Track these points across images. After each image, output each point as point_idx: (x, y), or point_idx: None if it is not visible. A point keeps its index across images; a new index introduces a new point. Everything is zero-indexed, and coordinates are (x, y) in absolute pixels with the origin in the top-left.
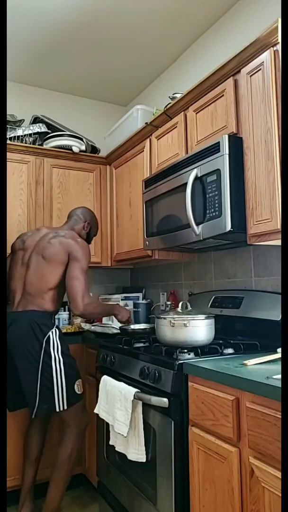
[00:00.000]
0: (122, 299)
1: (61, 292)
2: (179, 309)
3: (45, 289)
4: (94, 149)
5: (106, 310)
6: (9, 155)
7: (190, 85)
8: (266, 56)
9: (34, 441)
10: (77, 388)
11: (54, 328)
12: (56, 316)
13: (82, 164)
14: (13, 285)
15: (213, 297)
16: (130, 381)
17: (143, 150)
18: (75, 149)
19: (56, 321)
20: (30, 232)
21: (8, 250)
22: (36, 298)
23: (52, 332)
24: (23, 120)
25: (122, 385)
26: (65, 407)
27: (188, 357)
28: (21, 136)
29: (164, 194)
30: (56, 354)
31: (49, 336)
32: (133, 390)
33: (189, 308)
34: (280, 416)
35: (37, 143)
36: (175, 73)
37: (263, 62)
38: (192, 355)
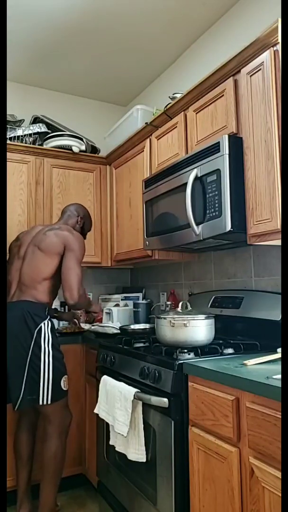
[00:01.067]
0: (122, 299)
1: (56, 284)
2: (179, 309)
3: (39, 279)
4: (94, 149)
5: (88, 301)
6: (9, 155)
7: (190, 85)
8: (266, 56)
9: (24, 440)
10: (63, 384)
11: (47, 320)
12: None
13: (82, 164)
14: (9, 277)
15: (213, 297)
16: (130, 381)
17: (143, 150)
18: (75, 149)
19: (56, 321)
20: (25, 231)
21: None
22: (30, 289)
23: (44, 323)
24: (23, 120)
25: (122, 385)
26: (49, 402)
27: (188, 357)
28: (21, 136)
29: (164, 194)
30: (46, 346)
31: (41, 327)
32: (133, 390)
33: (189, 308)
34: (280, 416)
35: (37, 143)
36: (175, 73)
37: (263, 62)
38: (192, 355)
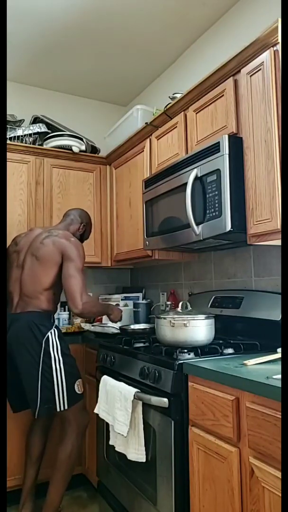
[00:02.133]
0: (122, 299)
1: (57, 292)
2: (179, 309)
3: (40, 289)
4: (94, 149)
5: (102, 309)
6: (9, 155)
7: (190, 85)
8: (266, 56)
9: (36, 440)
10: (78, 388)
11: (53, 328)
12: (55, 316)
13: (82, 164)
14: (10, 287)
15: (213, 297)
16: (130, 381)
17: (143, 150)
18: (75, 149)
19: (56, 321)
20: (23, 234)
21: None
22: (33, 299)
23: (51, 332)
24: (23, 120)
25: (122, 385)
26: (66, 407)
27: (188, 357)
28: (21, 136)
29: (164, 194)
30: (56, 354)
31: (48, 337)
32: (133, 390)
33: (189, 308)
34: (280, 416)
35: (37, 143)
36: (175, 73)
37: (263, 62)
38: (192, 355)
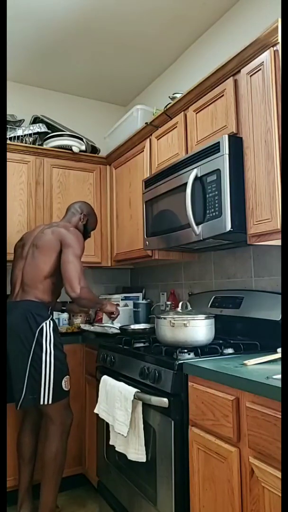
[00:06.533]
0: (122, 299)
1: (57, 282)
2: (179, 309)
3: (40, 278)
4: (94, 149)
5: (97, 299)
6: (9, 155)
7: (190, 85)
8: (266, 56)
9: (27, 441)
10: (65, 384)
11: (49, 320)
12: (56, 316)
13: (82, 164)
14: (13, 277)
15: (213, 297)
16: (130, 381)
17: (143, 150)
18: (75, 149)
19: (56, 321)
20: (29, 231)
21: (9, 250)
22: (32, 289)
23: (46, 323)
24: (23, 120)
25: (122, 385)
26: (50, 402)
27: (188, 357)
28: (21, 136)
29: (164, 194)
30: (48, 346)
31: (42, 327)
32: (133, 390)
33: (189, 308)
34: (280, 416)
35: (37, 143)
36: (175, 73)
37: (263, 62)
38: (192, 355)
